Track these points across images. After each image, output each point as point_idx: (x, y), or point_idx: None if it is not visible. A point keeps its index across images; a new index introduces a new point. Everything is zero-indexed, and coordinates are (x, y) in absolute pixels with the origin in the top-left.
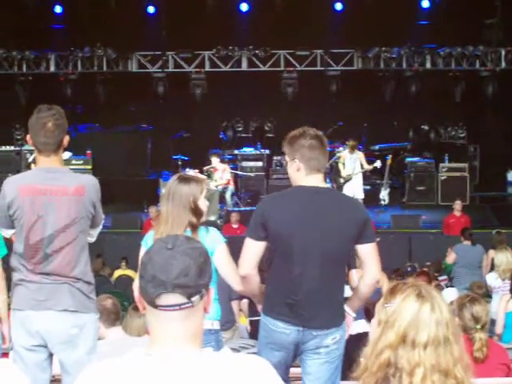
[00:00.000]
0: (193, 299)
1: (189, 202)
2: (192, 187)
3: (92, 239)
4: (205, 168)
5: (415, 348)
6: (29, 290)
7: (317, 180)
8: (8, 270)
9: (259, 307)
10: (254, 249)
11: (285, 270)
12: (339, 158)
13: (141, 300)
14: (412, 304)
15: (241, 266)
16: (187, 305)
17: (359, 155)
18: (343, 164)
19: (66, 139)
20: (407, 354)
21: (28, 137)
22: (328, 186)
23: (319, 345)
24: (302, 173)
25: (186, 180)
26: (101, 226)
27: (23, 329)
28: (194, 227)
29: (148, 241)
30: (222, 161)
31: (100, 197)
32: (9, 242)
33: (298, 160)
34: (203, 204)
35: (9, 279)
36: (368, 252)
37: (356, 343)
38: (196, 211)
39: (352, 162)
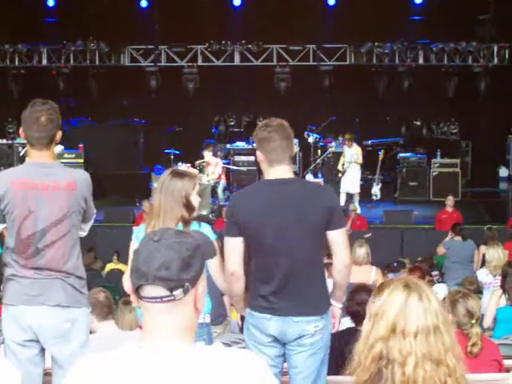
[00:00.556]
0: (175, 293)
1: (181, 197)
2: (185, 182)
3: (84, 233)
4: (197, 162)
5: (405, 338)
6: (21, 285)
7: (280, 171)
8: None
9: (241, 312)
10: (233, 246)
11: (258, 263)
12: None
13: (132, 291)
14: (399, 295)
15: (227, 265)
16: (169, 298)
17: (357, 150)
18: (343, 157)
19: (59, 134)
20: (398, 344)
21: (21, 130)
22: (296, 176)
23: (302, 333)
24: (265, 165)
25: (179, 175)
26: (92, 221)
27: (15, 324)
28: (186, 222)
29: (139, 234)
30: (215, 154)
31: (91, 191)
32: (1, 237)
33: (259, 152)
34: (195, 199)
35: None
36: (336, 238)
37: (343, 338)
38: (188, 206)
39: (348, 156)
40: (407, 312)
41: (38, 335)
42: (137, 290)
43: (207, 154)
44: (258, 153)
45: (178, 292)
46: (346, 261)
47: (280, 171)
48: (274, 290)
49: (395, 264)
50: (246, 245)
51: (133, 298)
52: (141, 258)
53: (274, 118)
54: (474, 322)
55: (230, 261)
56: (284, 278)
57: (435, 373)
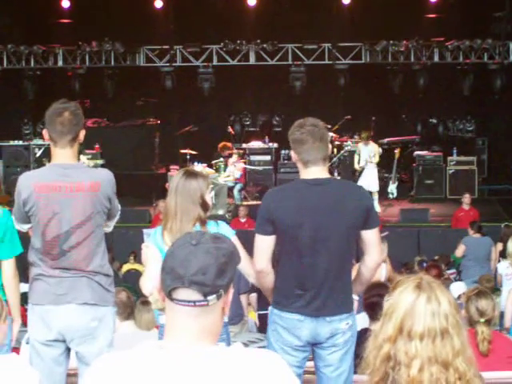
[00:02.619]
0: (209, 298)
1: (197, 197)
2: (200, 182)
3: (109, 229)
4: (213, 162)
5: (412, 340)
6: (48, 285)
7: (316, 172)
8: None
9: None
10: (264, 244)
11: (294, 262)
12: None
13: (161, 291)
14: (408, 295)
15: (255, 263)
16: (202, 303)
17: (374, 147)
18: (359, 155)
19: (82, 133)
20: (404, 346)
21: (44, 131)
22: (331, 176)
23: (334, 332)
24: (300, 165)
25: (194, 175)
26: (117, 217)
27: (42, 324)
28: (203, 221)
29: (156, 237)
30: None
31: (115, 190)
32: (26, 236)
33: (293, 152)
34: (209, 198)
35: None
36: (372, 237)
37: (358, 339)
38: (204, 205)
39: (366, 154)
40: (414, 313)
41: (65, 335)
42: (169, 291)
43: (235, 156)
44: (293, 153)
45: (212, 298)
46: (378, 259)
47: (315, 171)
48: (309, 290)
49: (424, 264)
50: (278, 244)
51: (160, 295)
52: (177, 261)
53: (311, 118)
54: (482, 320)
55: (259, 259)
56: (320, 278)
57: (443, 375)
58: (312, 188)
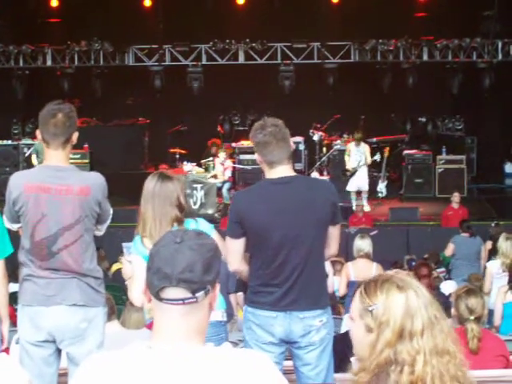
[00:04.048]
0: (197, 295)
1: (175, 199)
2: (175, 184)
3: (100, 233)
4: (203, 161)
5: (413, 338)
6: (38, 286)
7: (282, 171)
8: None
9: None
10: (235, 247)
11: (266, 261)
12: (345, 149)
13: (147, 292)
14: (397, 298)
15: (229, 264)
16: (191, 300)
17: (365, 148)
18: (349, 156)
19: (75, 135)
20: (406, 346)
21: (37, 131)
22: (297, 173)
23: (308, 329)
24: (265, 166)
25: (169, 178)
26: (109, 221)
27: (31, 324)
28: (180, 221)
29: (138, 246)
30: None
31: (106, 194)
32: (18, 235)
33: (258, 154)
34: (184, 199)
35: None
36: (335, 232)
37: (345, 340)
38: (180, 206)
39: (357, 155)
40: (411, 312)
41: (55, 336)
42: (157, 291)
43: (222, 155)
44: (257, 155)
45: (200, 294)
46: (335, 253)
47: (281, 170)
48: (281, 287)
49: (413, 263)
50: (249, 243)
51: (145, 296)
52: (163, 260)
53: (270, 118)
54: (472, 318)
55: (232, 260)
56: (292, 274)
57: (441, 365)
58: (280, 187)
